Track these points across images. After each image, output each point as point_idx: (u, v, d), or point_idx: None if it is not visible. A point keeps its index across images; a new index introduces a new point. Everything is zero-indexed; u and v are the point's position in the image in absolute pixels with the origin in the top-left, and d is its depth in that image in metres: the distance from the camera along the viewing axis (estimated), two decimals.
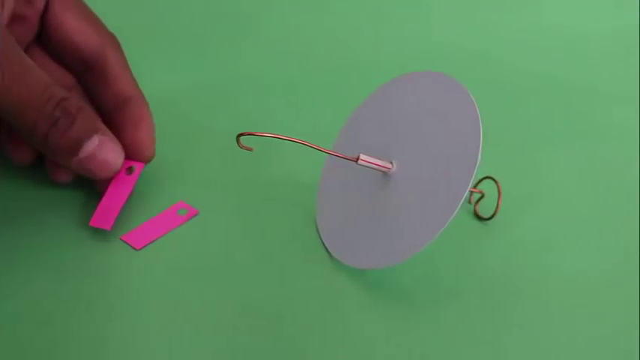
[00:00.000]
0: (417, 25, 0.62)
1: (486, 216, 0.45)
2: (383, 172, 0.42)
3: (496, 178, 0.45)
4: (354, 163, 0.41)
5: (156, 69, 0.53)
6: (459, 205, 0.38)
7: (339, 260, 0.42)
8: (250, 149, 0.40)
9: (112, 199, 0.43)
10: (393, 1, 0.64)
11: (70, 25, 0.44)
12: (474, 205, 0.45)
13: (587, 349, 0.40)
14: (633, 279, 0.43)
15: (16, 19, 0.43)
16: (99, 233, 0.43)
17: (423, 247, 0.39)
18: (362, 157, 0.41)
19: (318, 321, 0.40)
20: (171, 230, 0.44)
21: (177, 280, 0.42)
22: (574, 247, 0.45)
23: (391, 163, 0.42)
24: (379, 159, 0.41)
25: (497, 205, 0.44)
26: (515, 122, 0.53)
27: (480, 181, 0.45)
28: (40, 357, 0.38)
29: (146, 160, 0.44)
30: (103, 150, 0.41)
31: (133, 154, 0.44)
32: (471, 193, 0.46)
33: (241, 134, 0.39)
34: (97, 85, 0.45)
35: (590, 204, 0.47)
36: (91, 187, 0.45)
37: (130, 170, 0.44)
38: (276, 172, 0.48)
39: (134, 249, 0.43)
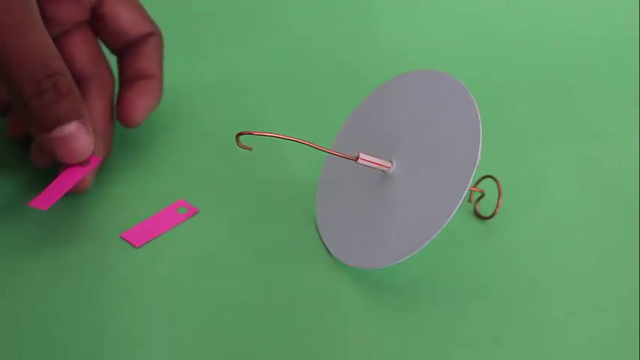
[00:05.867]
0: (417, 25, 0.62)
1: (486, 215, 0.45)
2: (382, 171, 0.42)
3: (496, 177, 0.45)
4: (354, 162, 0.41)
5: None
6: (459, 205, 0.38)
7: (339, 259, 0.42)
8: (250, 148, 0.40)
9: (59, 184, 0.42)
10: (394, 1, 0.64)
11: (123, 15, 0.47)
12: (474, 204, 0.45)
13: (587, 350, 0.40)
14: (633, 279, 0.43)
15: None
16: (98, 231, 0.43)
17: (422, 246, 0.39)
18: (362, 156, 0.41)
19: (318, 321, 0.40)
20: (171, 228, 0.44)
21: (177, 278, 0.42)
22: (574, 247, 0.45)
23: (391, 162, 0.42)
24: (379, 158, 0.41)
25: (498, 204, 0.44)
26: (516, 122, 0.53)
27: (481, 180, 0.45)
28: (40, 355, 0.38)
29: (130, 123, 0.46)
30: (75, 138, 0.41)
31: (121, 113, 0.46)
32: (471, 192, 0.46)
33: (241, 133, 0.39)
34: (128, 59, 0.47)
35: (589, 204, 0.47)
36: (92, 188, 0.45)
37: (85, 161, 0.43)
38: (277, 171, 0.48)
39: (134, 247, 0.43)
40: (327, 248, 0.43)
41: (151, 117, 0.49)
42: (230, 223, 0.45)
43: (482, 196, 0.45)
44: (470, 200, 0.46)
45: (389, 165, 0.41)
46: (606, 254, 0.44)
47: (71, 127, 0.41)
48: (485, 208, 0.45)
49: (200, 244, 0.43)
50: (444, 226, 0.38)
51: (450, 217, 0.38)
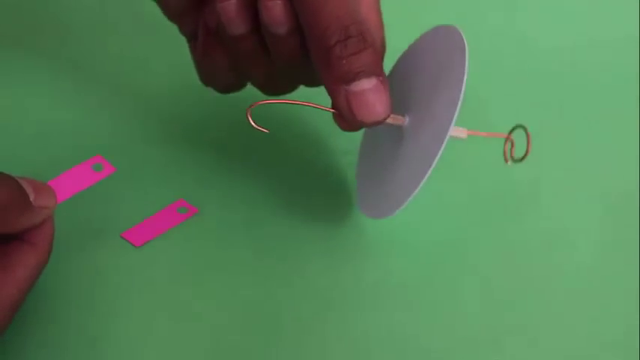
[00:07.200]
0: (418, 26, 0.61)
1: (519, 157, 0.44)
2: (399, 125, 0.42)
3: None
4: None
5: (156, 65, 0.53)
6: (443, 146, 0.38)
7: (363, 213, 0.43)
8: (266, 130, 0.40)
9: (63, 184, 0.41)
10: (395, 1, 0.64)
11: None
12: (508, 153, 0.44)
13: (587, 349, 0.40)
14: (633, 279, 0.43)
15: None
16: (99, 231, 0.43)
17: (417, 188, 0.39)
18: None
19: (318, 320, 0.40)
20: (171, 228, 0.44)
21: (177, 278, 0.42)
22: (574, 247, 0.45)
23: (405, 116, 0.42)
24: (393, 114, 0.41)
25: (527, 148, 0.43)
26: (520, 119, 0.53)
27: (512, 130, 0.44)
28: (40, 355, 0.38)
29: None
30: (375, 95, 0.39)
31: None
32: (506, 140, 0.45)
33: (251, 106, 0.39)
34: None
35: (589, 204, 0.47)
36: (92, 188, 0.45)
37: (97, 167, 0.43)
38: (276, 171, 0.48)
39: (134, 246, 0.43)
40: (358, 205, 0.44)
41: (150, 118, 0.49)
42: (230, 223, 0.45)
43: (511, 144, 0.44)
44: (504, 154, 0.45)
45: (402, 120, 0.41)
46: (606, 254, 0.44)
47: (371, 82, 0.39)
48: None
49: (200, 244, 0.43)
50: (433, 166, 0.38)
51: (436, 158, 0.38)
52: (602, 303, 0.42)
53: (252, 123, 0.39)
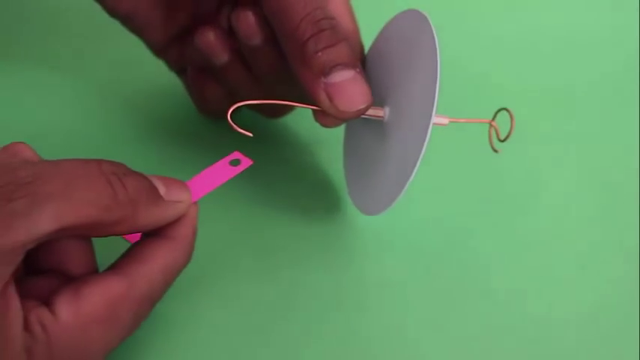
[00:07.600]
0: None
1: (501, 138, 0.44)
2: (380, 119, 0.42)
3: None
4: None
5: (153, 65, 0.53)
6: (427, 139, 0.38)
7: (359, 210, 0.43)
8: (249, 134, 0.40)
9: (202, 182, 0.41)
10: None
11: None
12: (494, 138, 0.44)
13: (588, 350, 0.40)
14: (633, 279, 0.43)
15: None
16: None
17: (406, 185, 0.39)
18: None
19: (319, 321, 0.41)
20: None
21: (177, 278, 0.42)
22: (574, 247, 0.45)
23: (384, 110, 0.41)
24: (372, 108, 0.41)
25: (511, 128, 0.43)
26: (516, 122, 0.53)
27: (497, 113, 0.44)
28: None
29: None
30: (353, 85, 0.39)
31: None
32: (490, 126, 0.44)
33: (233, 110, 0.39)
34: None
35: (589, 204, 0.47)
36: None
37: (235, 162, 0.42)
38: (275, 171, 0.48)
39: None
40: (352, 201, 0.44)
41: (147, 118, 0.49)
42: (230, 223, 0.45)
43: (494, 128, 0.44)
44: (490, 140, 0.44)
45: (381, 113, 0.41)
46: (607, 254, 0.44)
47: (349, 74, 0.39)
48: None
49: (200, 244, 0.43)
50: (418, 163, 0.38)
51: (423, 148, 0.38)
52: (603, 304, 0.42)
53: (234, 126, 0.39)
